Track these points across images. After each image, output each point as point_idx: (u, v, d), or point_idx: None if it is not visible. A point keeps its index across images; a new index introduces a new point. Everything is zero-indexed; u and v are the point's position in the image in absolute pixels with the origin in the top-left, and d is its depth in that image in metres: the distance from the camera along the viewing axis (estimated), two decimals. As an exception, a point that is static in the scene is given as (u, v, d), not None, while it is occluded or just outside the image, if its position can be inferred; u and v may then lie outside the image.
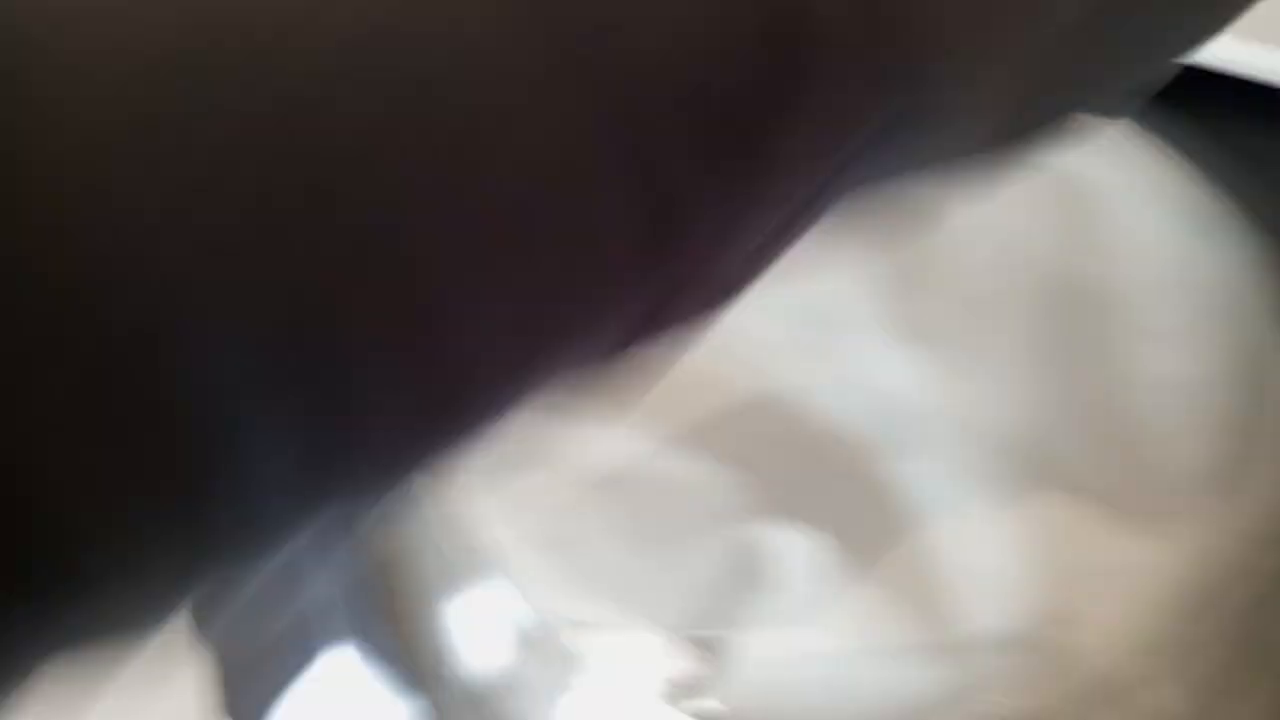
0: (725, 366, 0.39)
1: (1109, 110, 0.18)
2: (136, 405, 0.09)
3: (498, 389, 0.13)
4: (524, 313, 0.12)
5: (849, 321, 0.39)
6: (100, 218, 0.09)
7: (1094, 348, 0.37)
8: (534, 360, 0.13)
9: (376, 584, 0.37)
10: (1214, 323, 0.36)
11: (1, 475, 0.09)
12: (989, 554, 0.32)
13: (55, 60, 0.09)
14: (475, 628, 0.35)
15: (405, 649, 0.36)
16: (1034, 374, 0.36)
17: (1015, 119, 0.16)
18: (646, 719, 0.33)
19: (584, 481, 0.36)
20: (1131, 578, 0.30)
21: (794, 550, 0.34)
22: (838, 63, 0.13)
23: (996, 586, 0.31)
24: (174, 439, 0.10)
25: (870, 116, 0.13)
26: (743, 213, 0.14)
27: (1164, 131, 0.39)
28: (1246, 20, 0.36)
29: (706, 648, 0.33)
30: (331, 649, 0.36)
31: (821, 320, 0.39)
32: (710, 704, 0.33)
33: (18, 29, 0.09)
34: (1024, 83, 0.15)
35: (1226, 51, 0.37)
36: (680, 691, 0.33)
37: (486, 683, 0.34)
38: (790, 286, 0.41)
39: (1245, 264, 0.37)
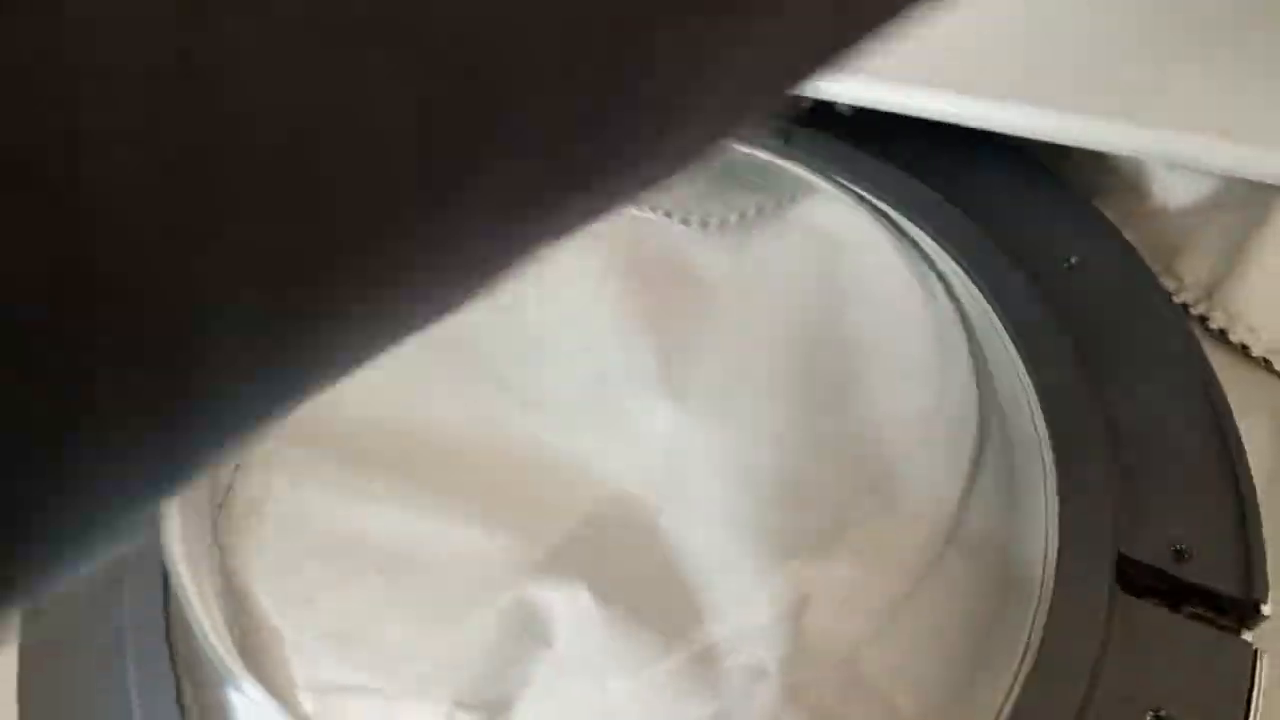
0: (508, 436, 0.40)
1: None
2: None
3: None
4: None
5: (625, 383, 0.41)
6: None
7: (845, 389, 0.39)
8: None
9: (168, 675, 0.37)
10: (947, 359, 0.39)
11: None
12: (744, 584, 0.34)
13: None
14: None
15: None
16: (789, 418, 0.38)
17: None
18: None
19: (365, 565, 0.37)
20: (856, 588, 0.32)
21: (569, 605, 0.35)
22: None
23: (747, 610, 0.33)
24: None
25: None
26: None
27: (887, 186, 0.42)
28: (959, 75, 0.40)
29: (489, 713, 0.34)
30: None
31: (600, 383, 0.41)
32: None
33: None
34: None
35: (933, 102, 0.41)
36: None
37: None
38: (572, 354, 0.44)
39: (969, 304, 0.40)
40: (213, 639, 0.32)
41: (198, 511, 0.37)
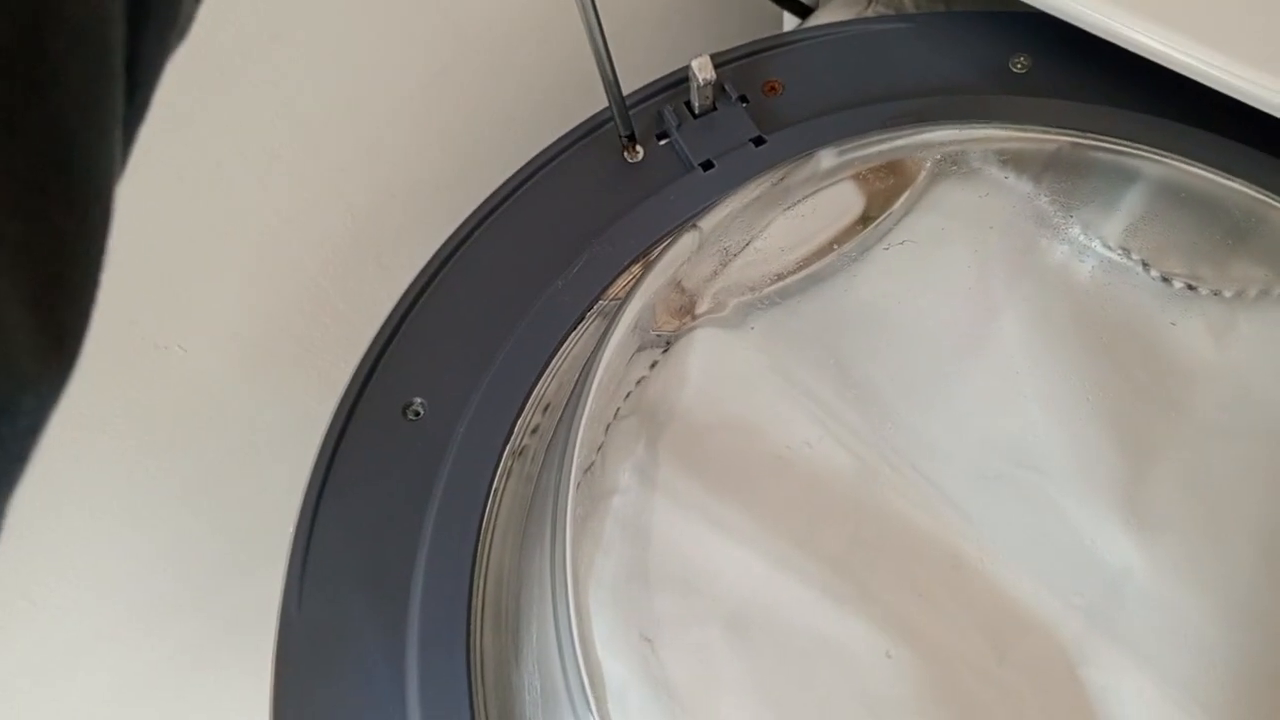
0: (896, 497, 0.33)
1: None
2: None
3: None
4: None
5: (1068, 484, 0.33)
6: None
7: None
8: None
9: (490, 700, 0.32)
10: None
11: None
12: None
13: None
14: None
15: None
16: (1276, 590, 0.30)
17: None
18: None
19: (720, 617, 0.31)
20: None
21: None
22: None
23: None
24: None
25: None
26: None
27: None
28: None
29: None
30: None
31: (1024, 464, 0.33)
32: None
33: None
34: None
35: None
36: None
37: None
38: (986, 412, 0.36)
39: None
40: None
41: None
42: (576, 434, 0.30)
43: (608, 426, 0.35)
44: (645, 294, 0.32)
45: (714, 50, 0.42)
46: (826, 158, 0.34)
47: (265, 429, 0.51)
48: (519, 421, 0.35)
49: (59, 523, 0.45)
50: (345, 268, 0.49)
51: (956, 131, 0.35)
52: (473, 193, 0.44)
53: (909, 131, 0.34)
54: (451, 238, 0.40)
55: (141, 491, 0.48)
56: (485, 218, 0.40)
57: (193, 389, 0.46)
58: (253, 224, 0.44)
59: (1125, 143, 0.35)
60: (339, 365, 0.52)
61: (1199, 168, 0.35)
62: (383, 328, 0.38)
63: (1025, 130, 0.35)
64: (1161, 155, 0.35)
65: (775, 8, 0.49)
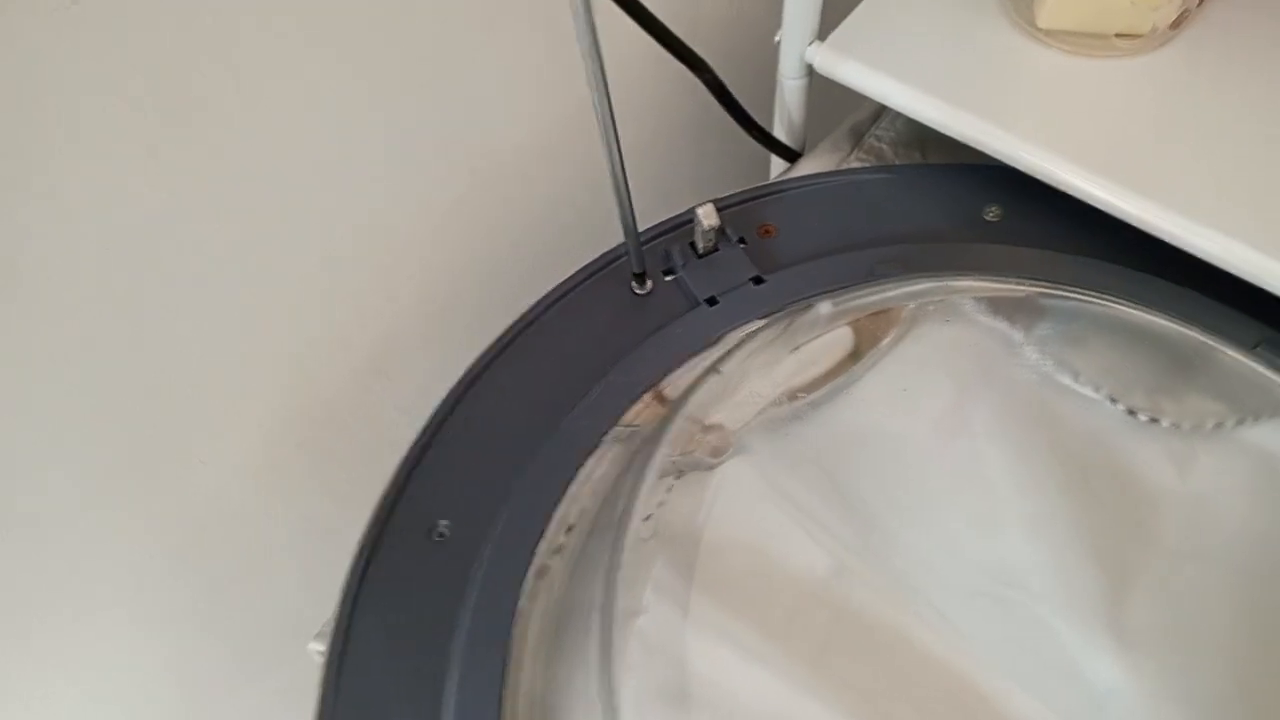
0: (887, 614, 0.36)
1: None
2: None
3: None
4: None
5: (1057, 603, 0.36)
6: None
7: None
8: None
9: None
10: None
11: None
12: None
13: None
14: None
15: None
16: (1247, 693, 0.33)
17: None
18: None
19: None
20: None
21: None
22: None
23: None
24: None
25: None
26: None
27: None
28: None
29: None
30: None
31: (1009, 583, 0.36)
32: None
33: None
34: None
35: None
36: None
37: None
38: (971, 535, 0.39)
39: None
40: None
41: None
42: (615, 582, 0.32)
43: (628, 548, 0.37)
44: (670, 438, 0.35)
45: (708, 191, 0.46)
46: (824, 308, 0.37)
47: (273, 539, 0.52)
48: (542, 543, 0.38)
49: (72, 629, 0.46)
50: (358, 387, 0.51)
51: (938, 283, 0.38)
52: (481, 317, 0.46)
53: (896, 283, 0.38)
54: (472, 367, 0.42)
55: (152, 599, 0.49)
56: (504, 347, 0.43)
57: (208, 500, 0.48)
58: (282, 351, 0.46)
59: (1089, 291, 0.39)
60: (348, 479, 0.53)
61: (1155, 314, 0.39)
62: (408, 453, 0.41)
63: (998, 281, 0.39)
64: (1122, 302, 0.39)
65: (765, 151, 0.53)
